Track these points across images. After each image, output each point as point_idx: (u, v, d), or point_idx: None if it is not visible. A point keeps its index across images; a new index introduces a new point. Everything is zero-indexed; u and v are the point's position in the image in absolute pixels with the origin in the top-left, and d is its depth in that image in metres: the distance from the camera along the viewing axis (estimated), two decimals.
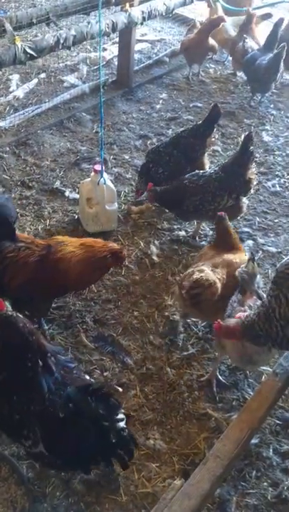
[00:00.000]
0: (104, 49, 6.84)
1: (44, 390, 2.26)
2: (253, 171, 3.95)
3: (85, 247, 3.19)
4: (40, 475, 2.66)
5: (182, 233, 4.24)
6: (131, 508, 2.58)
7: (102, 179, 3.98)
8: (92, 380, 2.56)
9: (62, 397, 2.27)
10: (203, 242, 4.15)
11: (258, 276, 2.93)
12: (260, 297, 2.76)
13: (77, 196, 4.41)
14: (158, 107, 5.87)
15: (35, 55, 4.49)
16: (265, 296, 2.60)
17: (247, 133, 3.90)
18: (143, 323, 3.47)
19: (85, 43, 5.86)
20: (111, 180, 4.54)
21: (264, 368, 3.15)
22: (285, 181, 4.96)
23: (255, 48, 6.05)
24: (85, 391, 2.27)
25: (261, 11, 7.06)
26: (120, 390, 2.96)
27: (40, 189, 4.56)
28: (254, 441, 2.83)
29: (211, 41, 6.28)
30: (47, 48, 4.57)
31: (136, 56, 6.50)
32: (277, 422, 2.98)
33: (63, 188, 4.58)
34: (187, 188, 3.87)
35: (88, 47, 6.78)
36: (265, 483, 2.73)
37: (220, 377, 3.14)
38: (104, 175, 4.04)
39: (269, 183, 4.91)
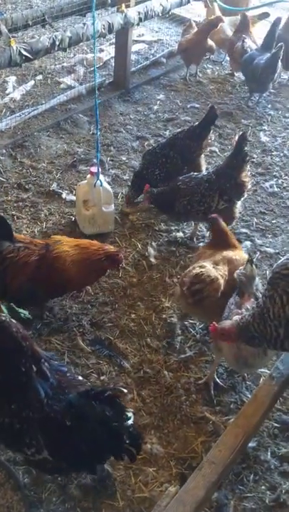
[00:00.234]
0: (102, 50, 6.83)
1: (41, 395, 2.23)
2: (246, 174, 3.88)
3: (79, 249, 3.19)
4: (37, 480, 2.63)
5: (180, 234, 4.23)
6: None
7: (98, 181, 3.96)
8: (86, 381, 2.53)
9: (63, 403, 2.24)
10: (201, 244, 4.12)
11: (257, 278, 2.90)
12: (258, 300, 2.73)
13: (74, 198, 4.40)
14: (155, 108, 5.86)
15: (31, 57, 4.48)
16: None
17: (241, 133, 3.84)
18: (140, 326, 3.45)
19: (81, 44, 5.85)
20: (108, 181, 4.53)
21: (262, 370, 3.14)
22: (282, 182, 4.94)
23: (253, 48, 6.04)
24: (87, 395, 2.25)
25: (258, 10, 7.04)
26: (125, 391, 2.94)
27: (36, 191, 4.55)
28: (252, 444, 2.81)
29: (209, 42, 6.27)
30: (42, 49, 4.55)
31: (133, 57, 6.50)
32: (275, 424, 2.95)
33: (60, 190, 4.56)
34: (179, 190, 3.86)
35: (85, 48, 6.76)
36: (262, 487, 2.70)
37: (217, 379, 3.12)
38: (101, 177, 4.03)
39: (267, 184, 4.89)
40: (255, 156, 5.25)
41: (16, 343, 2.18)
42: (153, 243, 4.12)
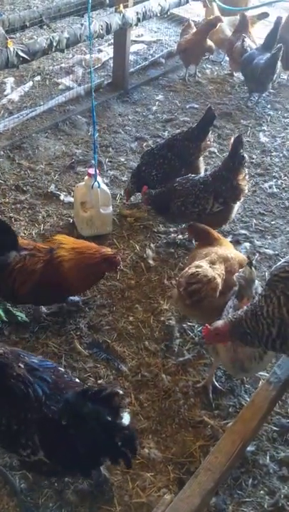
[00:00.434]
0: (100, 51, 6.81)
1: (39, 394, 2.22)
2: (244, 177, 3.82)
3: (76, 253, 3.19)
4: (33, 486, 2.61)
5: (179, 236, 4.20)
6: None
7: (96, 183, 3.94)
8: (82, 383, 2.51)
9: (61, 403, 2.23)
10: None
11: (256, 281, 2.85)
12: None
13: (72, 200, 4.37)
14: (154, 108, 5.83)
15: (28, 58, 4.46)
16: None
17: (236, 136, 3.78)
18: (138, 329, 3.43)
19: (80, 44, 5.82)
20: (106, 183, 4.51)
21: (261, 373, 3.11)
22: (282, 182, 4.91)
23: (253, 47, 6.02)
24: (84, 395, 2.22)
25: (258, 10, 7.01)
26: (121, 392, 2.92)
27: (34, 193, 4.53)
28: (250, 448, 2.78)
29: (208, 42, 6.24)
30: (40, 51, 4.53)
31: (132, 57, 6.48)
32: (274, 428, 2.92)
33: (58, 192, 4.54)
34: (175, 191, 3.84)
35: (84, 49, 6.73)
36: (261, 492, 2.68)
37: (216, 383, 3.09)
38: (99, 178, 4.00)
39: (266, 185, 4.86)
40: (254, 156, 5.22)
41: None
42: (151, 245, 4.09)
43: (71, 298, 3.48)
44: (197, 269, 2.97)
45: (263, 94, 6.13)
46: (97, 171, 3.97)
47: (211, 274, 2.95)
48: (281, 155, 5.27)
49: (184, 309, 3.22)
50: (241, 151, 3.74)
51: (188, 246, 4.11)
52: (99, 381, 3.05)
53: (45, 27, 5.13)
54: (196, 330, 3.45)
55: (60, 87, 5.99)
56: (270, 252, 4.11)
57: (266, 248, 4.15)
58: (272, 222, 4.45)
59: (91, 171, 3.97)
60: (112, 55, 6.19)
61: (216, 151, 5.17)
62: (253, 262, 2.78)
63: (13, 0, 7.97)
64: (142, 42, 7.23)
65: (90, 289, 3.58)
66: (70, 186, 4.61)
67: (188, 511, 1.97)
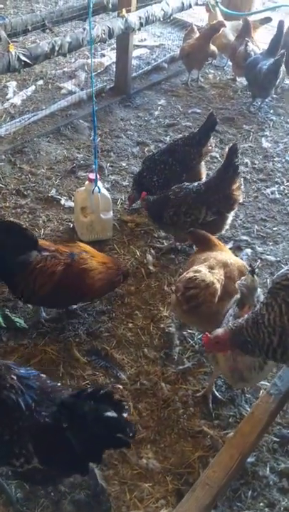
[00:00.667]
0: (103, 55, 6.81)
1: (28, 402, 2.20)
2: (238, 187, 3.73)
3: (106, 268, 3.32)
4: (29, 495, 2.58)
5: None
6: None
7: (96, 188, 3.91)
8: (65, 387, 2.47)
9: (53, 407, 2.22)
10: None
11: (258, 289, 2.78)
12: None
13: (72, 204, 4.35)
14: (156, 113, 5.81)
15: (30, 62, 4.44)
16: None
17: (231, 145, 3.68)
18: (138, 336, 3.39)
19: (83, 49, 5.81)
20: (107, 188, 4.49)
21: (263, 382, 3.06)
22: (284, 188, 4.87)
23: (257, 52, 6.00)
24: (79, 396, 2.20)
25: (260, 15, 7.00)
26: (121, 387, 2.92)
27: (35, 197, 4.50)
28: (250, 459, 2.74)
29: (212, 46, 6.22)
30: (42, 55, 4.52)
31: (135, 62, 6.46)
32: (275, 439, 2.88)
33: (59, 197, 4.51)
34: (169, 200, 3.79)
35: (86, 53, 6.72)
36: (261, 504, 2.63)
37: (216, 392, 3.05)
38: (99, 183, 3.98)
39: (268, 190, 4.82)
40: (256, 161, 5.19)
41: None
42: (152, 250, 4.06)
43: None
44: (195, 274, 2.92)
45: (266, 100, 6.10)
46: (98, 176, 3.95)
47: (209, 279, 2.90)
48: (283, 160, 5.23)
49: (181, 315, 3.17)
50: (236, 160, 3.65)
51: (189, 252, 4.07)
52: None
53: (47, 31, 5.12)
54: (197, 337, 3.41)
55: (63, 91, 5.98)
56: (271, 258, 4.07)
57: (268, 255, 4.11)
58: (274, 229, 4.41)
59: (91, 175, 3.94)
60: (114, 59, 6.18)
61: (217, 156, 5.14)
62: (256, 270, 2.72)
63: (17, 4, 7.98)
64: (145, 46, 7.22)
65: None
66: (71, 191, 4.58)
67: None
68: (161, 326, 3.46)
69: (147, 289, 3.74)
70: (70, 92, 5.91)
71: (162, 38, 7.57)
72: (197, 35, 6.32)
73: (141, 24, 5.47)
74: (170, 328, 3.43)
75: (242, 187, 3.84)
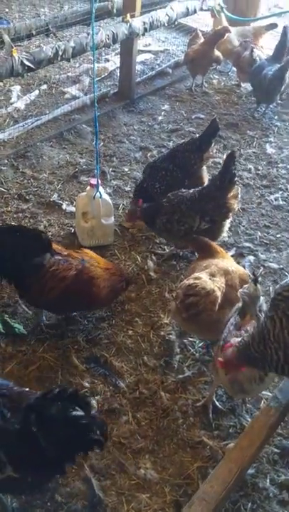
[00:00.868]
0: (107, 60, 6.80)
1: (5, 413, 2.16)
2: (234, 195, 3.65)
3: (110, 274, 3.30)
4: (25, 505, 2.54)
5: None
6: None
7: (97, 193, 3.89)
8: (35, 391, 2.42)
9: (21, 412, 2.17)
10: None
11: (261, 298, 2.72)
12: (259, 320, 2.60)
13: (74, 209, 4.32)
14: (160, 118, 5.79)
15: (33, 67, 4.44)
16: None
17: (229, 153, 3.61)
18: (137, 343, 3.35)
19: (87, 54, 5.81)
20: (109, 193, 4.46)
21: (264, 392, 3.01)
22: (288, 195, 4.83)
23: (262, 57, 5.98)
24: (45, 398, 2.16)
25: (266, 21, 6.98)
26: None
27: (37, 202, 4.48)
28: (250, 471, 2.68)
29: (216, 52, 6.21)
30: (45, 59, 4.51)
31: (139, 67, 6.46)
32: (275, 450, 2.82)
33: (60, 201, 4.49)
34: (162, 207, 3.74)
35: (91, 58, 6.71)
36: None
37: (216, 402, 3.00)
38: (101, 189, 3.95)
39: (272, 197, 4.78)
40: (260, 168, 5.15)
41: None
42: (153, 256, 4.02)
43: None
44: (195, 281, 2.87)
45: (271, 106, 6.07)
46: (100, 181, 3.92)
47: (210, 287, 2.85)
48: (288, 167, 5.19)
49: (181, 323, 3.13)
50: (233, 167, 3.57)
51: (191, 258, 4.04)
52: (96, 397, 2.97)
53: (51, 35, 5.12)
54: (197, 346, 3.36)
55: (67, 96, 5.97)
56: (274, 266, 4.03)
57: (271, 262, 4.07)
58: (278, 236, 4.36)
59: (93, 181, 3.92)
60: (118, 64, 6.17)
61: (220, 161, 5.08)
62: (259, 278, 2.67)
63: (22, 8, 8.01)
64: (149, 51, 7.22)
65: None
66: (73, 196, 4.56)
67: None
68: (162, 333, 3.42)
69: (148, 295, 3.70)
70: (74, 97, 5.90)
71: (167, 43, 7.56)
72: (202, 40, 6.31)
73: (145, 29, 5.46)
74: (170, 336, 3.38)
75: (239, 196, 3.75)
